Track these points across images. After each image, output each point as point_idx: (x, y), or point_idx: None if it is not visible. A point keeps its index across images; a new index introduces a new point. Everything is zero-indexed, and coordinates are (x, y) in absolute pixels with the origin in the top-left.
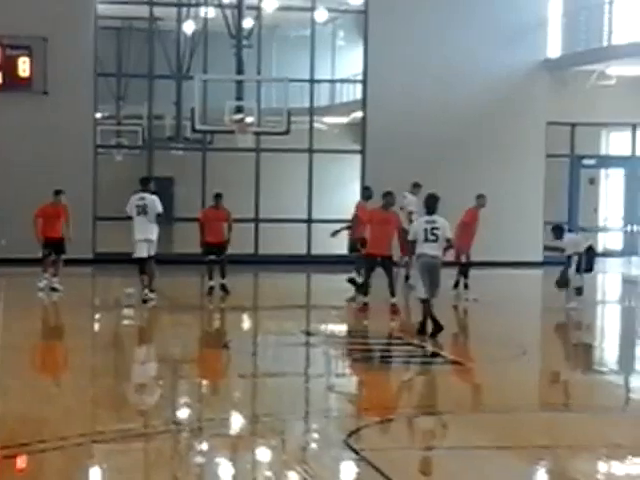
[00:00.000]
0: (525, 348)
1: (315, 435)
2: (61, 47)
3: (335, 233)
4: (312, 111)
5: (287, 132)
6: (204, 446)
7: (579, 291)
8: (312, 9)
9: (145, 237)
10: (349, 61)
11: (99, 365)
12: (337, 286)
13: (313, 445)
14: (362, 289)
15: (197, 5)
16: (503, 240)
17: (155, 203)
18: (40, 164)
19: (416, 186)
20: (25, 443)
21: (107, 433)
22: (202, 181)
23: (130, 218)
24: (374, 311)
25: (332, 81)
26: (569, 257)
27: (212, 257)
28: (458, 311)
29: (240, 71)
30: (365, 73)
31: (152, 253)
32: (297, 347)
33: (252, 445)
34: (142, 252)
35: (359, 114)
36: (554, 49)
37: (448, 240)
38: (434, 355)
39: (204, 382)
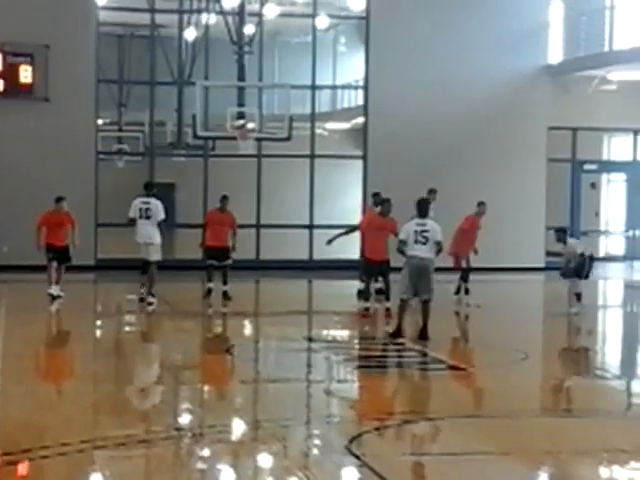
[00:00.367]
0: (526, 353)
1: (317, 441)
2: (63, 54)
3: (330, 241)
4: (314, 117)
5: (289, 138)
6: (206, 452)
7: (578, 297)
8: (313, 15)
9: (145, 240)
10: (350, 67)
11: (101, 371)
12: (339, 292)
13: (315, 451)
14: (363, 295)
15: (199, 12)
16: (505, 245)
17: (159, 208)
18: (42, 171)
19: (432, 192)
20: (26, 449)
21: (108, 439)
22: (204, 187)
23: (130, 222)
24: (375, 316)
25: (333, 87)
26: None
27: (213, 262)
28: (459, 316)
29: (241, 77)
30: (366, 79)
31: (155, 258)
32: (299, 353)
33: (254, 451)
34: (144, 254)
35: (361, 120)
36: (555, 55)
37: (438, 243)
38: (435, 361)
39: (206, 388)
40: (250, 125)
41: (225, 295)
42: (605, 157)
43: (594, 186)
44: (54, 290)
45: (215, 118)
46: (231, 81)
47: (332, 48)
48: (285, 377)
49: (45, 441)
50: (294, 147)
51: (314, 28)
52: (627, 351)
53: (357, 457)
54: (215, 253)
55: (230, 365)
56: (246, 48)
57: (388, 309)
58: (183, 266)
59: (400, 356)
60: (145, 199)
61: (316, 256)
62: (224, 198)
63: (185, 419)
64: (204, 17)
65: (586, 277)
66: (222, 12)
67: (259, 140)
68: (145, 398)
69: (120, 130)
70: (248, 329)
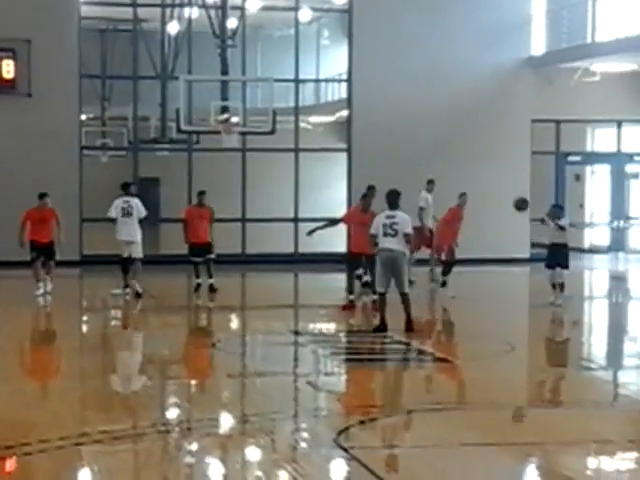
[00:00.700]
0: (513, 345)
1: (304, 434)
2: (45, 49)
3: (311, 232)
4: (297, 110)
5: (273, 132)
6: (193, 446)
7: (562, 287)
8: (296, 9)
9: (128, 239)
10: (334, 60)
11: (87, 367)
12: (325, 285)
13: (303, 444)
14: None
15: (181, 6)
16: (490, 237)
17: (139, 207)
18: (25, 166)
19: (430, 182)
20: (13, 446)
21: (96, 435)
22: (188, 182)
23: (111, 220)
24: (362, 309)
25: (317, 80)
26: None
27: (196, 259)
28: (444, 308)
29: (225, 71)
30: (350, 72)
31: (137, 255)
32: (285, 346)
33: (242, 445)
34: (125, 253)
35: (344, 113)
36: (538, 47)
37: (406, 235)
38: (421, 353)
39: (193, 382)
40: (234, 119)
41: (211, 288)
42: (589, 149)
43: (578, 178)
44: (42, 288)
45: (199, 112)
46: (214, 75)
47: (315, 41)
48: (272, 371)
49: (32, 437)
50: (278, 141)
51: (297, 21)
52: (613, 342)
53: (345, 450)
54: (197, 249)
55: (217, 359)
56: (229, 42)
57: (375, 302)
58: (168, 261)
59: (386, 349)
60: (125, 198)
61: (302, 249)
62: (201, 193)
63: (172, 413)
64: (187, 11)
65: (564, 267)
66: (204, 6)
67: (243, 134)
68: (132, 393)
69: (104, 125)
70: (234, 323)
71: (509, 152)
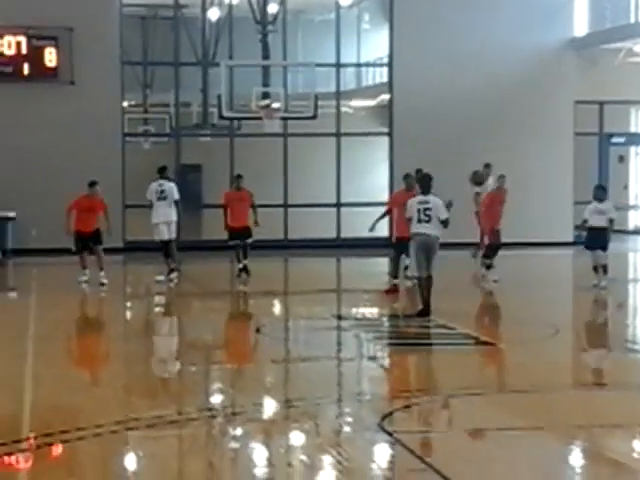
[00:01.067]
0: (557, 328)
1: (349, 419)
2: (87, 36)
3: (372, 228)
4: (339, 95)
5: (314, 117)
6: (238, 431)
7: (604, 269)
8: None
9: (165, 220)
10: (375, 44)
11: (132, 353)
12: (367, 270)
13: (347, 428)
14: (392, 272)
15: None
16: (533, 220)
17: (173, 190)
18: (68, 154)
19: (487, 167)
20: (59, 432)
21: (141, 420)
22: (230, 168)
23: (149, 205)
24: (405, 293)
25: (358, 65)
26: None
27: (237, 242)
28: (488, 292)
29: (266, 56)
30: (391, 56)
31: (173, 236)
32: (329, 331)
33: (286, 430)
34: (164, 235)
35: (386, 97)
36: (581, 27)
37: (443, 221)
38: (466, 336)
39: (237, 368)
40: (275, 104)
41: (244, 270)
42: (633, 130)
43: (622, 159)
44: (87, 275)
45: (240, 98)
46: (255, 60)
47: (356, 25)
48: (315, 355)
49: (78, 423)
50: (320, 125)
51: (337, 5)
52: None
53: (389, 434)
54: (236, 233)
55: (261, 344)
56: (270, 27)
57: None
58: (210, 246)
59: (430, 333)
60: (160, 181)
61: (344, 234)
62: (238, 177)
63: (217, 399)
64: None
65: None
66: None
67: (284, 119)
68: (177, 378)
69: (146, 112)
70: (278, 308)
71: (552, 134)
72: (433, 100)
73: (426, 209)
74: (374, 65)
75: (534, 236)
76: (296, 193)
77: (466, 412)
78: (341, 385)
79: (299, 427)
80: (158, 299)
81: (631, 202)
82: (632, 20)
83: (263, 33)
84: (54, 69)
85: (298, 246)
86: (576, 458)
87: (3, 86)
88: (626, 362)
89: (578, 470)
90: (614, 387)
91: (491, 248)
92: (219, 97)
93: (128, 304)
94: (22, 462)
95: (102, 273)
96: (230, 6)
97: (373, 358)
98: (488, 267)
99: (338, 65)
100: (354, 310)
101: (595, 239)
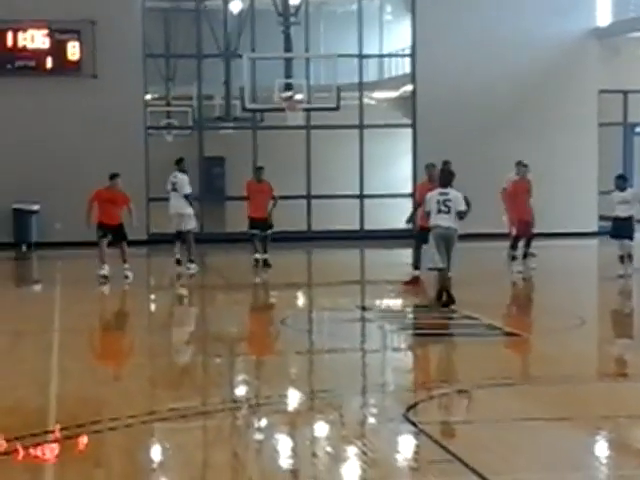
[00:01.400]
0: (583, 318)
1: (373, 410)
2: (109, 30)
3: (409, 220)
4: (361, 86)
5: (337, 108)
6: (263, 423)
7: (630, 258)
8: None
9: (176, 211)
10: (397, 35)
11: (156, 345)
12: (391, 261)
13: (372, 420)
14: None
15: None
16: (557, 211)
17: (184, 182)
18: (91, 147)
19: (518, 164)
20: (85, 424)
21: (166, 412)
22: (253, 160)
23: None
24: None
25: (380, 56)
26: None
27: (256, 232)
28: (513, 282)
29: (288, 48)
30: (414, 47)
31: (187, 227)
32: (353, 323)
33: (310, 421)
34: (176, 226)
35: (409, 88)
36: (604, 17)
37: (460, 212)
38: (491, 327)
39: (261, 359)
40: (298, 96)
41: (265, 263)
42: None
43: None
44: (106, 270)
45: (263, 90)
46: (278, 52)
47: (378, 16)
48: (340, 347)
49: (104, 415)
50: (342, 117)
51: None
52: None
53: (414, 425)
54: (257, 224)
55: (285, 336)
56: (292, 19)
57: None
58: (234, 239)
59: (455, 324)
60: (175, 173)
61: (367, 226)
62: (259, 168)
63: (242, 390)
64: None
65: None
66: None
67: (307, 111)
68: (201, 370)
69: (168, 105)
70: (302, 300)
71: (576, 124)
72: (456, 91)
73: (446, 200)
74: (397, 56)
75: (558, 226)
76: (319, 185)
77: (490, 403)
78: (365, 376)
79: (324, 418)
80: (182, 291)
81: None
82: None
83: (285, 25)
84: (77, 63)
85: (321, 237)
86: (601, 448)
87: (26, 80)
88: None
89: (603, 460)
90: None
91: (527, 239)
92: (242, 89)
93: (152, 296)
94: (49, 454)
95: (126, 266)
96: None
97: (397, 349)
98: (513, 258)
99: (360, 56)
100: (378, 301)
101: (620, 229)
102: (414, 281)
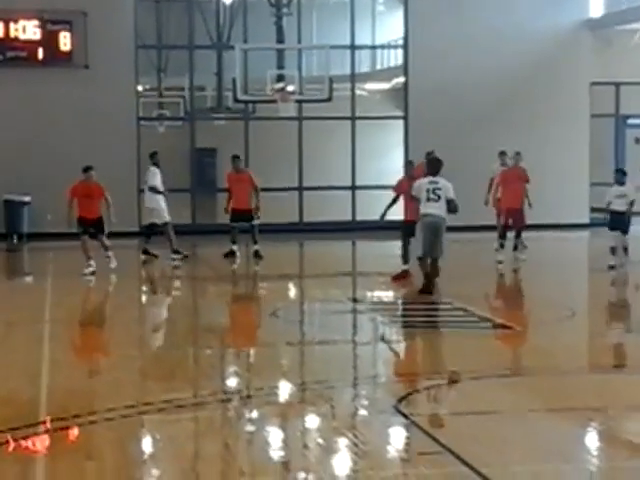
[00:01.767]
0: (574, 310)
1: (364, 401)
2: (101, 21)
3: (382, 217)
4: (353, 78)
5: (329, 99)
6: (254, 414)
7: (625, 250)
8: None
9: (146, 205)
10: (389, 26)
11: (147, 337)
12: (383, 252)
13: (363, 411)
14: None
15: None
16: (549, 202)
17: (148, 176)
18: (83, 138)
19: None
20: (76, 415)
21: (157, 404)
22: (245, 151)
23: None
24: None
25: (373, 47)
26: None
27: (235, 225)
28: (501, 274)
29: (280, 40)
30: (406, 38)
31: (160, 221)
32: (344, 314)
33: (302, 412)
34: (147, 218)
35: (401, 80)
36: (597, 8)
37: (450, 201)
38: (482, 319)
39: (252, 351)
40: (290, 87)
41: (256, 254)
42: None
43: (638, 141)
44: (92, 267)
45: (255, 81)
46: (270, 43)
47: (370, 7)
48: (331, 338)
49: (94, 407)
50: (334, 109)
51: None
52: None
53: (406, 416)
54: (237, 215)
55: (276, 327)
56: (284, 10)
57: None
58: (226, 230)
59: (446, 315)
60: (148, 166)
61: (359, 217)
62: (235, 157)
63: (232, 382)
64: None
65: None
66: None
67: (299, 102)
68: (192, 362)
69: (160, 95)
70: (293, 291)
71: (568, 116)
72: (448, 82)
73: (435, 189)
74: (389, 47)
75: (550, 218)
76: (311, 176)
77: (482, 394)
78: (357, 368)
79: (315, 410)
80: (173, 283)
81: None
82: None
83: (277, 16)
84: (68, 53)
85: (313, 229)
86: (593, 440)
87: (18, 71)
88: None
89: (595, 452)
90: (631, 369)
91: (506, 228)
92: (234, 80)
93: (143, 288)
94: (40, 446)
95: (109, 253)
96: None
97: (388, 341)
98: (501, 246)
99: (353, 47)
100: (369, 293)
101: (619, 222)
102: (403, 275)
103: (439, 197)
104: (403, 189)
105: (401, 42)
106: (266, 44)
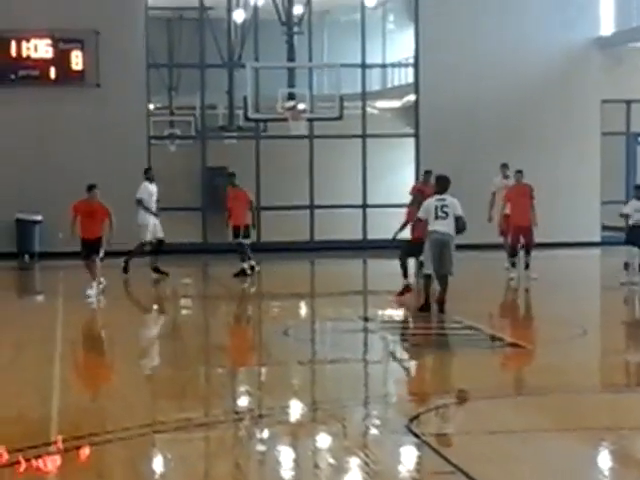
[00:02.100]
0: (585, 328)
1: (376, 421)
2: (113, 39)
3: (394, 238)
4: (364, 96)
5: (340, 117)
6: (265, 434)
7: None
8: None
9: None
10: (400, 45)
11: (158, 355)
12: (394, 271)
13: (374, 431)
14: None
15: None
16: (560, 220)
17: (140, 188)
18: (94, 157)
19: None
20: (87, 435)
21: (169, 423)
22: (256, 169)
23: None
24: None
25: (383, 65)
26: None
27: (238, 240)
28: (514, 290)
29: (291, 58)
30: (416, 56)
31: (140, 237)
32: (355, 333)
33: (313, 432)
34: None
35: (411, 98)
36: (607, 26)
37: (458, 218)
38: (493, 338)
39: (264, 370)
40: (301, 106)
41: (252, 269)
42: None
43: None
44: (95, 288)
45: (266, 100)
46: (281, 62)
47: (381, 26)
48: (342, 357)
49: (106, 426)
50: (345, 127)
51: (363, 6)
52: None
53: (417, 436)
54: (235, 233)
55: (287, 346)
56: (295, 28)
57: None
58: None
59: (457, 334)
60: None
61: (370, 236)
62: (230, 175)
63: (244, 401)
64: None
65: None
66: None
67: (310, 120)
68: (204, 381)
69: (171, 114)
70: (304, 310)
71: (579, 134)
72: (459, 100)
73: (443, 206)
74: (400, 65)
75: (561, 236)
76: (322, 195)
77: (493, 414)
78: (368, 387)
79: (326, 429)
80: (184, 301)
81: None
82: None
83: (288, 34)
84: (80, 72)
85: (324, 247)
86: (604, 460)
87: (30, 90)
88: None
89: (606, 472)
90: None
91: (515, 247)
92: (245, 99)
93: (155, 307)
94: (51, 465)
95: (93, 284)
96: (255, 8)
97: (399, 360)
98: (512, 265)
99: (363, 66)
100: (380, 312)
101: (635, 236)
102: (406, 290)
103: (447, 214)
104: (412, 216)
105: (412, 60)
106: (277, 63)
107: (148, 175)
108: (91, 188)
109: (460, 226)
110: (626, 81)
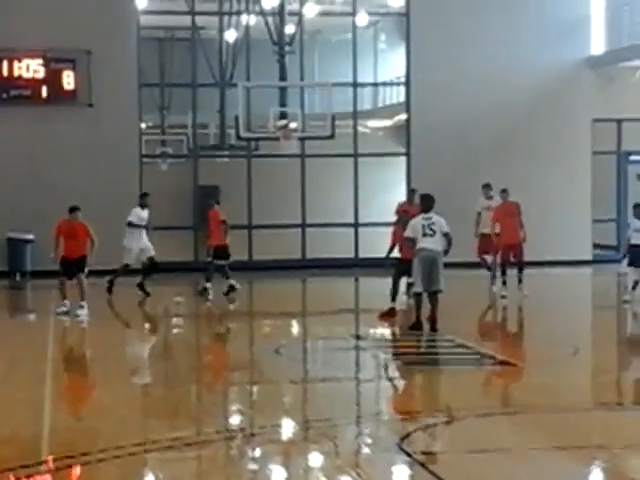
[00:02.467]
0: (577, 347)
1: (368, 439)
2: (105, 59)
3: (386, 258)
4: (356, 115)
5: (332, 136)
6: (257, 453)
7: (635, 285)
8: (353, 13)
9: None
10: (391, 64)
11: (150, 374)
12: (385, 289)
13: (366, 449)
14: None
15: (239, 13)
16: (551, 239)
17: (130, 213)
18: (86, 176)
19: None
20: (79, 454)
21: (160, 442)
22: (248, 188)
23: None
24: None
25: (375, 84)
26: None
27: (220, 262)
28: (507, 310)
29: (283, 77)
30: (408, 75)
31: (125, 258)
32: (347, 351)
33: (305, 451)
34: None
35: (403, 117)
36: (598, 46)
37: (446, 234)
38: (485, 356)
39: (255, 389)
40: (292, 125)
41: (232, 289)
42: None
43: None
44: (67, 306)
45: (258, 119)
46: (273, 81)
47: (372, 45)
48: (334, 376)
49: (98, 445)
50: (337, 146)
51: (354, 26)
52: None
53: (409, 455)
54: (219, 252)
55: (279, 365)
56: (287, 48)
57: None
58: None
59: (449, 352)
60: None
61: (362, 254)
62: (214, 195)
63: (236, 420)
64: (244, 18)
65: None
66: (262, 13)
67: (302, 139)
68: (195, 400)
69: (163, 133)
70: (296, 328)
71: (570, 152)
72: (450, 119)
73: (430, 224)
74: (391, 84)
75: (553, 254)
76: (314, 213)
77: (485, 432)
78: (360, 405)
79: (318, 448)
80: (176, 320)
81: None
82: None
83: (280, 54)
84: (72, 92)
85: (316, 266)
86: (597, 478)
87: (22, 109)
88: None
89: None
90: (634, 407)
91: (505, 265)
92: (236, 118)
93: (146, 325)
94: None
95: (83, 303)
96: (247, 27)
97: (391, 378)
98: (503, 283)
99: (355, 85)
100: (372, 330)
101: (637, 255)
102: (391, 313)
103: (434, 232)
104: (399, 237)
105: (403, 79)
106: (269, 82)
107: (142, 201)
108: (73, 210)
109: (448, 243)
110: (617, 100)
